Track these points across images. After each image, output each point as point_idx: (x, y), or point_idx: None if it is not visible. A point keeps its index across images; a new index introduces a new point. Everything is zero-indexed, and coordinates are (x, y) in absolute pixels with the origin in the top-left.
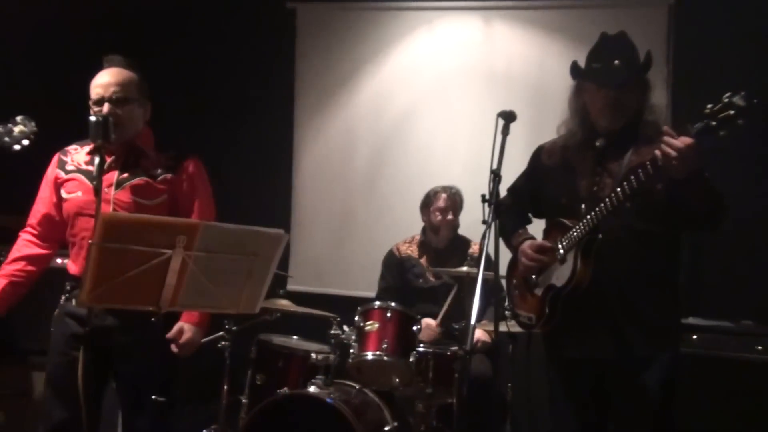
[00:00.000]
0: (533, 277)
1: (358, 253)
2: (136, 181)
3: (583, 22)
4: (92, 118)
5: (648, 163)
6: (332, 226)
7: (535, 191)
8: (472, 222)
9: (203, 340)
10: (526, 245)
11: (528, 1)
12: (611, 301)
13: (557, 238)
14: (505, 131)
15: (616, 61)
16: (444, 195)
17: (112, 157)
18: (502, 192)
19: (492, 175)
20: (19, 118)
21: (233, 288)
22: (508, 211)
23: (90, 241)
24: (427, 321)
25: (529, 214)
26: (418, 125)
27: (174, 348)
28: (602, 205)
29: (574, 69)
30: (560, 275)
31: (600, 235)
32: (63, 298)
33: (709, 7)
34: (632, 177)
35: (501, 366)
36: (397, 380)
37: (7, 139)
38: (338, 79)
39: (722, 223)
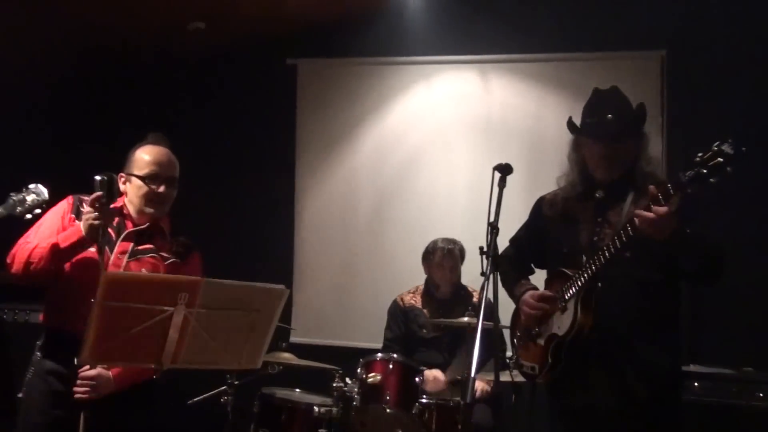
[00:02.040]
0: (536, 328)
1: (360, 304)
2: (149, 257)
3: (577, 75)
4: (98, 177)
5: (628, 225)
6: (334, 278)
7: (537, 242)
8: (472, 273)
9: (206, 395)
10: (528, 295)
11: (523, 54)
12: (613, 349)
13: (558, 288)
14: (502, 184)
15: (609, 115)
16: (441, 253)
17: (133, 228)
18: (501, 243)
19: (489, 228)
20: (32, 186)
21: (235, 343)
22: (510, 261)
23: (93, 300)
24: (435, 373)
25: (531, 265)
26: (418, 177)
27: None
28: (600, 253)
29: (570, 125)
30: (562, 324)
31: (600, 284)
32: (38, 354)
33: (700, 57)
34: (628, 227)
35: (503, 416)
36: None
37: (20, 208)
38: (339, 132)
39: (718, 278)
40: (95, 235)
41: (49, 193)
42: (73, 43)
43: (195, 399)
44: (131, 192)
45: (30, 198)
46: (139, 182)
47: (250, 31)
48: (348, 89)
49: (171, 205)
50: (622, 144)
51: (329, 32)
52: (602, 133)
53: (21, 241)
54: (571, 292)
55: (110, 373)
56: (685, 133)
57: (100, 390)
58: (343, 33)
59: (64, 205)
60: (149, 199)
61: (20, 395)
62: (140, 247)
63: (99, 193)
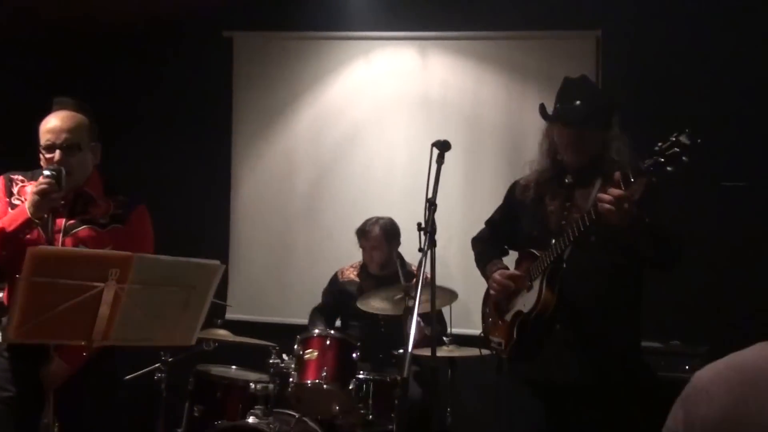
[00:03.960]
0: (504, 305)
1: (297, 280)
2: (84, 229)
3: (515, 54)
4: (46, 172)
5: (591, 210)
6: (271, 254)
7: (510, 224)
8: (410, 249)
9: (140, 372)
10: (497, 273)
11: (462, 31)
12: (574, 327)
13: (527, 267)
14: (440, 160)
15: (577, 102)
16: (370, 233)
17: (61, 203)
18: (439, 220)
19: (428, 204)
20: None
21: (169, 320)
22: (485, 242)
23: (17, 276)
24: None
25: (506, 246)
26: (356, 153)
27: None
28: (566, 234)
29: (541, 111)
30: (527, 302)
31: (564, 264)
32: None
33: (634, 37)
34: (591, 212)
35: (439, 392)
36: (337, 408)
37: None
38: (276, 107)
39: (675, 266)
40: (41, 216)
41: None
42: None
43: (128, 376)
44: (42, 165)
45: None
46: (41, 154)
47: (185, 1)
48: (286, 64)
49: (83, 169)
50: (589, 130)
51: (267, 5)
52: (570, 119)
53: None
54: (537, 271)
55: (61, 361)
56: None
57: (60, 379)
58: (281, 6)
59: None
60: None
61: None
62: (73, 221)
63: (50, 180)
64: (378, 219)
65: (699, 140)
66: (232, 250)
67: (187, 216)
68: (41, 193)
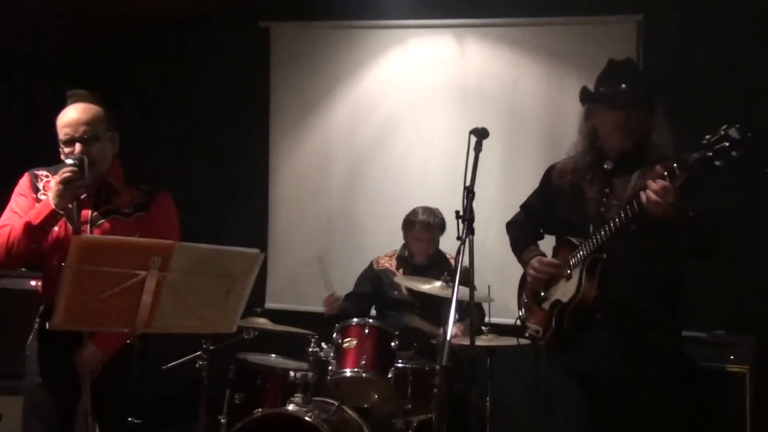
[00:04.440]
0: (542, 293)
1: (335, 269)
2: (109, 220)
3: (553, 39)
4: (68, 161)
5: (633, 200)
6: (309, 243)
7: (546, 209)
8: (448, 237)
9: (181, 360)
10: (535, 261)
11: (499, 18)
12: (614, 317)
13: (565, 256)
14: (478, 148)
15: (624, 85)
16: (420, 227)
17: (84, 195)
18: (477, 208)
19: (465, 192)
20: None
21: (209, 308)
22: (520, 227)
23: (63, 264)
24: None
25: (541, 231)
26: (393, 142)
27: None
28: (607, 226)
29: (584, 93)
30: (566, 291)
31: (605, 255)
32: (38, 321)
33: (676, 22)
34: (634, 201)
35: (479, 380)
36: (376, 396)
37: None
38: (313, 97)
39: (714, 255)
40: (65, 207)
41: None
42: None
43: (170, 364)
44: (63, 158)
45: None
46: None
47: None
48: (322, 54)
49: (104, 159)
50: (635, 114)
51: None
52: (617, 101)
53: None
54: (576, 260)
55: (95, 347)
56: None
57: (94, 366)
58: None
59: (25, 182)
60: None
61: (27, 354)
62: (99, 211)
63: (74, 168)
64: (426, 209)
65: (750, 134)
66: (271, 239)
67: (226, 206)
68: (64, 182)
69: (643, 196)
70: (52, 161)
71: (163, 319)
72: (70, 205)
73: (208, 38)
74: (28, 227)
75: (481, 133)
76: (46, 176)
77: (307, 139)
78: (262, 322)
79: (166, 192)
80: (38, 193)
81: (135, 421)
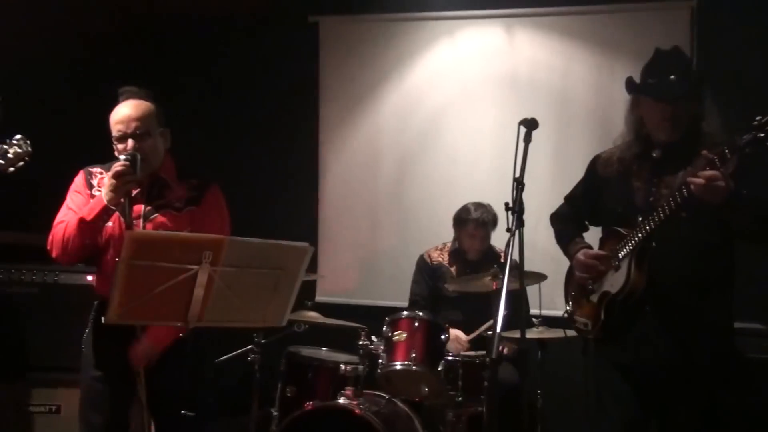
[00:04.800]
0: (590, 286)
1: (385, 263)
2: (162, 214)
3: (604, 27)
4: (122, 157)
5: (683, 188)
6: (359, 238)
7: (592, 200)
8: (498, 228)
9: (234, 353)
10: (581, 254)
11: (548, 7)
12: (665, 308)
13: (613, 247)
14: (527, 139)
15: (672, 76)
16: (475, 224)
17: (137, 190)
18: (526, 199)
19: (515, 183)
20: (15, 139)
21: (260, 301)
22: (565, 219)
23: (117, 259)
24: (457, 333)
25: (586, 222)
26: (442, 135)
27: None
28: (656, 214)
29: (630, 84)
30: (615, 282)
31: (654, 243)
32: (93, 315)
33: (731, 7)
34: (684, 189)
35: (529, 373)
36: (426, 390)
37: (1, 161)
38: (362, 90)
39: None
40: (118, 202)
41: (70, 155)
42: (93, 3)
43: (222, 357)
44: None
45: (12, 150)
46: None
47: None
48: (371, 47)
49: (156, 155)
50: (683, 105)
51: None
52: (664, 94)
53: (54, 225)
54: (625, 251)
55: (149, 342)
56: (715, 88)
57: (148, 359)
58: None
59: (80, 179)
60: None
61: (83, 348)
62: (150, 207)
63: (126, 163)
64: (478, 206)
65: None
66: (321, 233)
67: (277, 200)
68: (116, 176)
69: (692, 184)
70: (105, 159)
71: (214, 312)
72: (122, 200)
73: (259, 33)
74: (82, 223)
75: (530, 124)
76: (100, 173)
77: (356, 132)
78: (313, 315)
79: (216, 186)
80: (92, 190)
81: (188, 413)
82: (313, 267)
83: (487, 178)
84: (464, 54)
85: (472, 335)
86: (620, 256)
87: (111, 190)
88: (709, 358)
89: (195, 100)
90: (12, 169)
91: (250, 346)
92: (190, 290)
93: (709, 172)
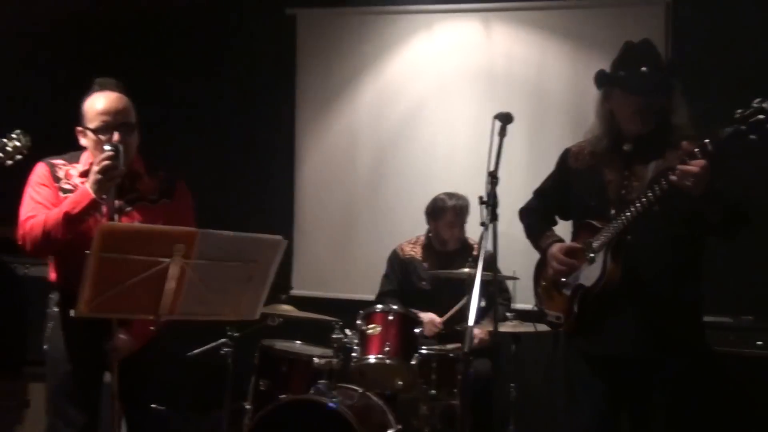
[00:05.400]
0: (562, 279)
1: (360, 256)
2: (137, 207)
3: (580, 23)
4: (107, 147)
5: (663, 180)
6: (334, 231)
7: (562, 194)
8: (471, 223)
9: (206, 347)
10: (555, 248)
11: (525, 2)
12: (639, 300)
13: (586, 240)
14: (502, 133)
15: (643, 68)
16: (453, 212)
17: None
18: (501, 193)
19: (489, 177)
20: (15, 133)
21: (233, 295)
22: (534, 213)
23: (87, 252)
24: (431, 316)
25: (556, 217)
26: (419, 128)
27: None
28: (632, 208)
29: (601, 77)
30: (589, 275)
31: (629, 237)
32: (55, 309)
33: (705, 4)
34: (663, 181)
35: (503, 366)
36: (400, 383)
37: (0, 154)
38: (339, 84)
39: (739, 233)
40: (105, 195)
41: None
42: None
43: (195, 351)
44: (90, 146)
45: (12, 144)
46: (93, 135)
47: None
48: (348, 40)
49: (134, 148)
50: (654, 97)
51: None
52: (635, 86)
53: (23, 220)
54: (599, 243)
55: (128, 335)
56: (690, 84)
57: (125, 353)
58: None
59: (44, 172)
60: None
61: (45, 347)
62: (125, 199)
63: (112, 154)
64: (452, 195)
65: None
66: (297, 226)
67: (252, 193)
68: (104, 171)
69: (675, 174)
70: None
71: (186, 306)
72: (105, 194)
73: (235, 25)
74: (67, 216)
75: (505, 118)
76: (64, 165)
77: (332, 125)
78: (287, 308)
79: (182, 180)
80: (60, 183)
81: (159, 408)
82: (288, 260)
83: (463, 172)
84: (441, 48)
85: (446, 316)
86: (595, 248)
87: (97, 183)
88: (681, 351)
89: (170, 92)
90: (10, 162)
91: (224, 340)
92: (161, 283)
93: (700, 161)
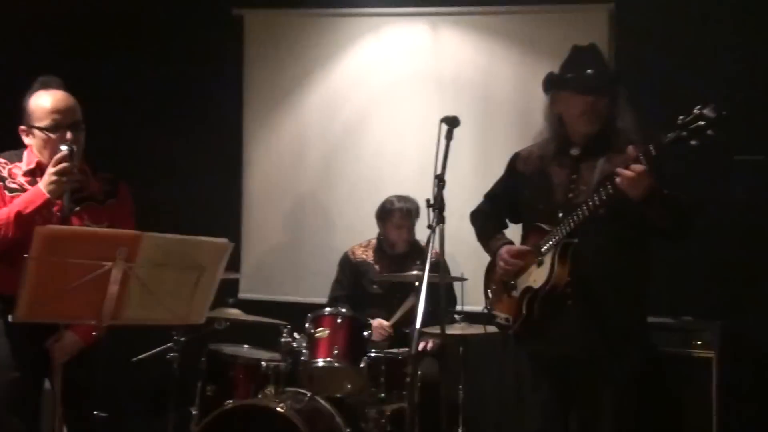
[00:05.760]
0: (511, 281)
1: (309, 259)
2: (85, 206)
3: (527, 27)
4: (63, 147)
5: (608, 184)
6: (283, 233)
7: (512, 197)
8: (419, 225)
9: (152, 352)
10: (504, 250)
11: (473, 6)
12: (585, 302)
13: (535, 242)
14: (449, 136)
15: (589, 70)
16: (400, 214)
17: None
18: (448, 197)
19: (436, 180)
20: None
21: (178, 299)
22: (485, 216)
23: (26, 255)
24: (380, 321)
25: (506, 220)
26: (368, 131)
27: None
28: (579, 211)
29: (549, 80)
30: (538, 277)
31: (576, 240)
32: None
33: (647, 10)
34: (608, 185)
35: (451, 368)
36: (349, 386)
37: None
38: (287, 86)
39: (686, 236)
40: (60, 196)
41: None
42: None
43: (140, 356)
44: (37, 145)
45: None
46: (42, 134)
47: None
48: (296, 42)
49: (83, 148)
50: (600, 99)
51: None
52: (582, 86)
53: None
54: (547, 246)
55: (74, 335)
56: (633, 89)
57: (70, 354)
58: None
59: None
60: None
61: None
62: (74, 198)
63: (66, 154)
64: (400, 197)
65: (724, 113)
66: (245, 229)
67: (199, 195)
68: (61, 173)
69: (619, 179)
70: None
71: (130, 310)
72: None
73: (181, 25)
74: (19, 215)
75: (451, 122)
76: (6, 164)
77: (280, 128)
78: (234, 312)
79: (123, 182)
80: (6, 182)
81: (101, 414)
82: (235, 263)
83: (411, 175)
84: (389, 51)
85: (393, 319)
86: (543, 251)
87: (53, 184)
88: (627, 351)
89: (114, 91)
90: None
91: (169, 344)
92: (104, 287)
93: (639, 166)
